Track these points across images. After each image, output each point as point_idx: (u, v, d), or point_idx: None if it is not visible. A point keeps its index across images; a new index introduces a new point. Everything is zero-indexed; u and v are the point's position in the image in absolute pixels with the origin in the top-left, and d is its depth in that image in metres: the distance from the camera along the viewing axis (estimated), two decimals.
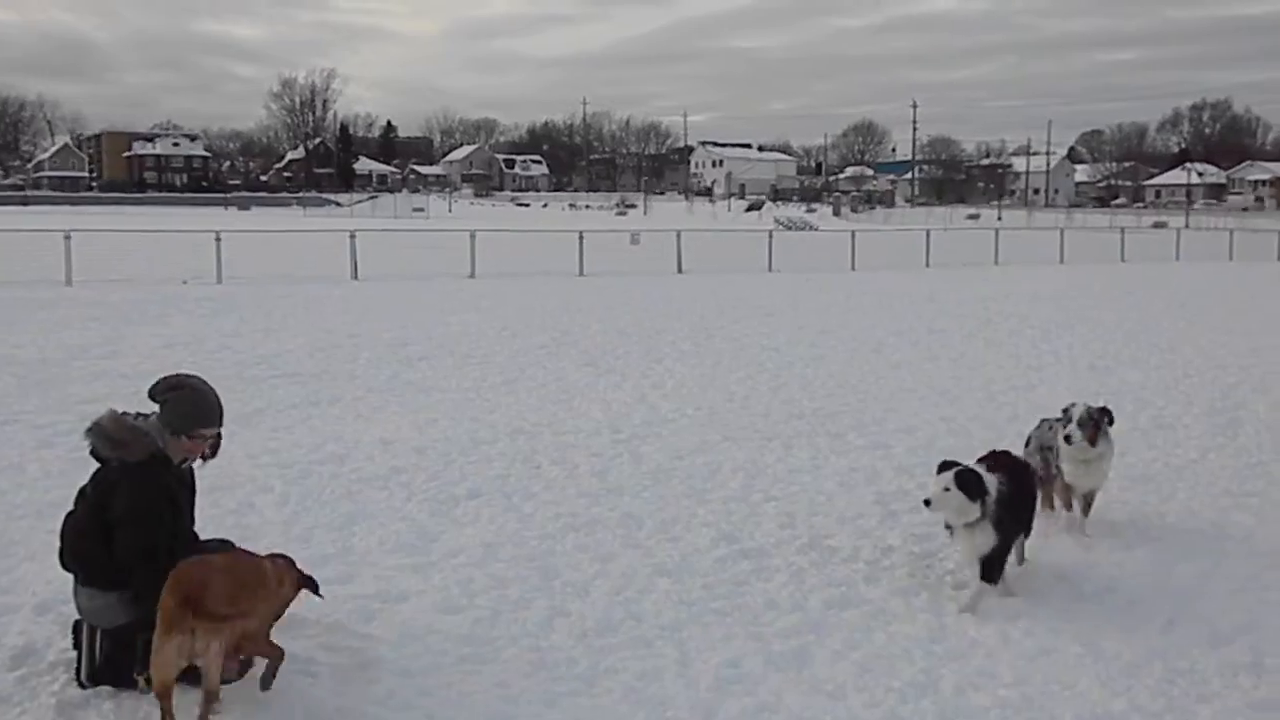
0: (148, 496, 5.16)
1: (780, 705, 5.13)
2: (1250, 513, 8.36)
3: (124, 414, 5.34)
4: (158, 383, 5.41)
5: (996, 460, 6.77)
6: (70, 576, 5.33)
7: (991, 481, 6.38)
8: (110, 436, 5.19)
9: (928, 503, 6.42)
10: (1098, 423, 7.61)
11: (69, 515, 5.36)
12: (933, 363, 15.73)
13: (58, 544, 5.40)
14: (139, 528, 5.12)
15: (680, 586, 6.65)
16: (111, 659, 5.10)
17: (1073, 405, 7.76)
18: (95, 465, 5.30)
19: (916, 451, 10.21)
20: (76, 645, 5.19)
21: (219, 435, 5.54)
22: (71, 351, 15.42)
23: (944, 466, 6.49)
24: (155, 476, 5.20)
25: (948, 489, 6.29)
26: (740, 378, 14.21)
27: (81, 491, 5.34)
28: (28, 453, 9.65)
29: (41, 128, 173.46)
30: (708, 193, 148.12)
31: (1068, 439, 7.61)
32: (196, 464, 5.54)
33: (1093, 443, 7.58)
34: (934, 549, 7.37)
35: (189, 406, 5.38)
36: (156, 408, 5.36)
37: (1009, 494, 6.44)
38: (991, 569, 6.43)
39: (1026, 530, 6.88)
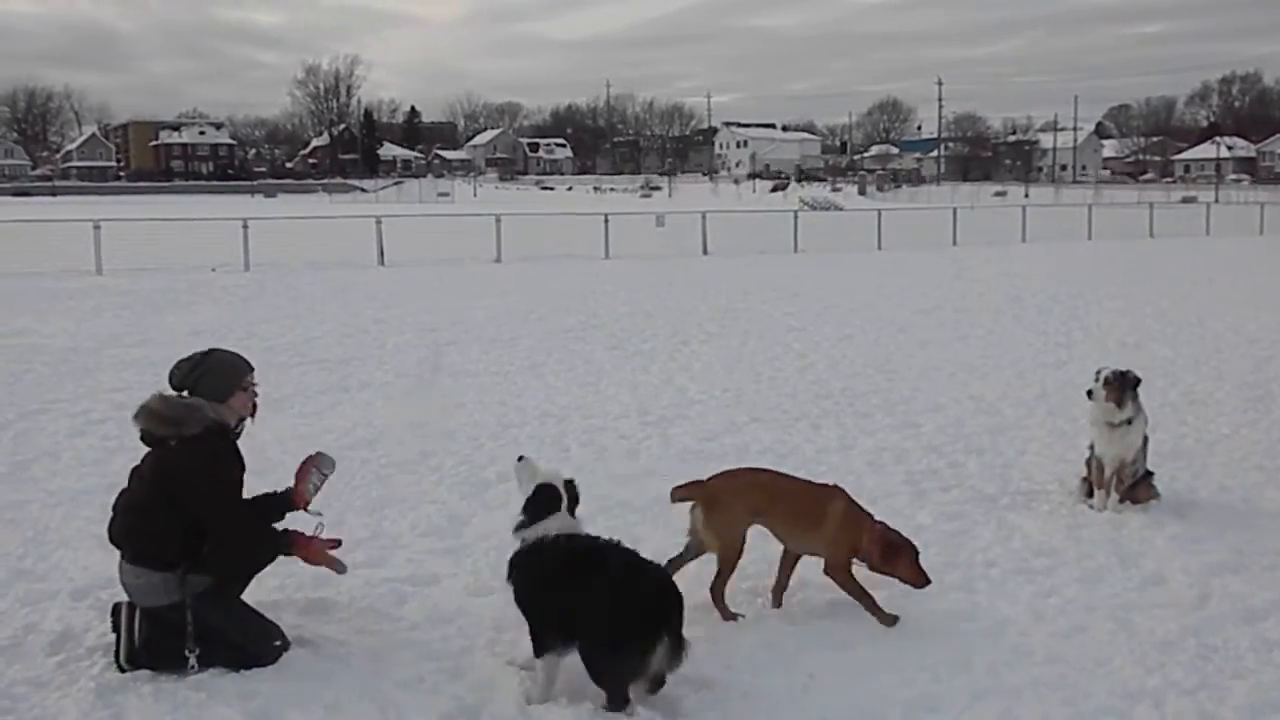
0: (218, 465, 5.27)
1: (814, 684, 5.12)
2: None
3: (168, 395, 5.38)
4: (177, 373, 5.44)
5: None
6: (114, 557, 5.40)
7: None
8: (163, 415, 5.23)
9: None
10: (1123, 383, 7.59)
11: (124, 492, 5.41)
12: (961, 341, 15.66)
13: (110, 517, 5.45)
14: (217, 498, 5.24)
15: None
16: (150, 642, 5.16)
17: (1102, 368, 7.77)
18: (141, 450, 5.36)
19: (945, 430, 10.18)
20: (115, 628, 5.25)
21: (256, 388, 5.65)
22: (102, 340, 15.55)
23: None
24: (218, 445, 5.29)
25: None
26: (767, 359, 14.19)
27: (136, 472, 5.39)
28: (61, 441, 9.74)
29: (69, 118, 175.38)
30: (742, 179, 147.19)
31: (1089, 394, 7.64)
32: (247, 424, 5.62)
33: (1118, 404, 7.56)
34: (965, 527, 7.35)
35: (221, 368, 5.49)
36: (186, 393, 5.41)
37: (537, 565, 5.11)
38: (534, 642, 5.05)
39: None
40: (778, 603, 6.13)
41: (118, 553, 5.37)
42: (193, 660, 5.12)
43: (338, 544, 5.54)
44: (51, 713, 4.84)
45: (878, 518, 5.93)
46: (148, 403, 5.30)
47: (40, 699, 4.95)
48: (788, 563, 6.16)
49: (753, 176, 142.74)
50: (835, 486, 6.15)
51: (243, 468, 5.41)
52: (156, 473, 5.24)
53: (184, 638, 5.11)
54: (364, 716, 4.84)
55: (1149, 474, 7.87)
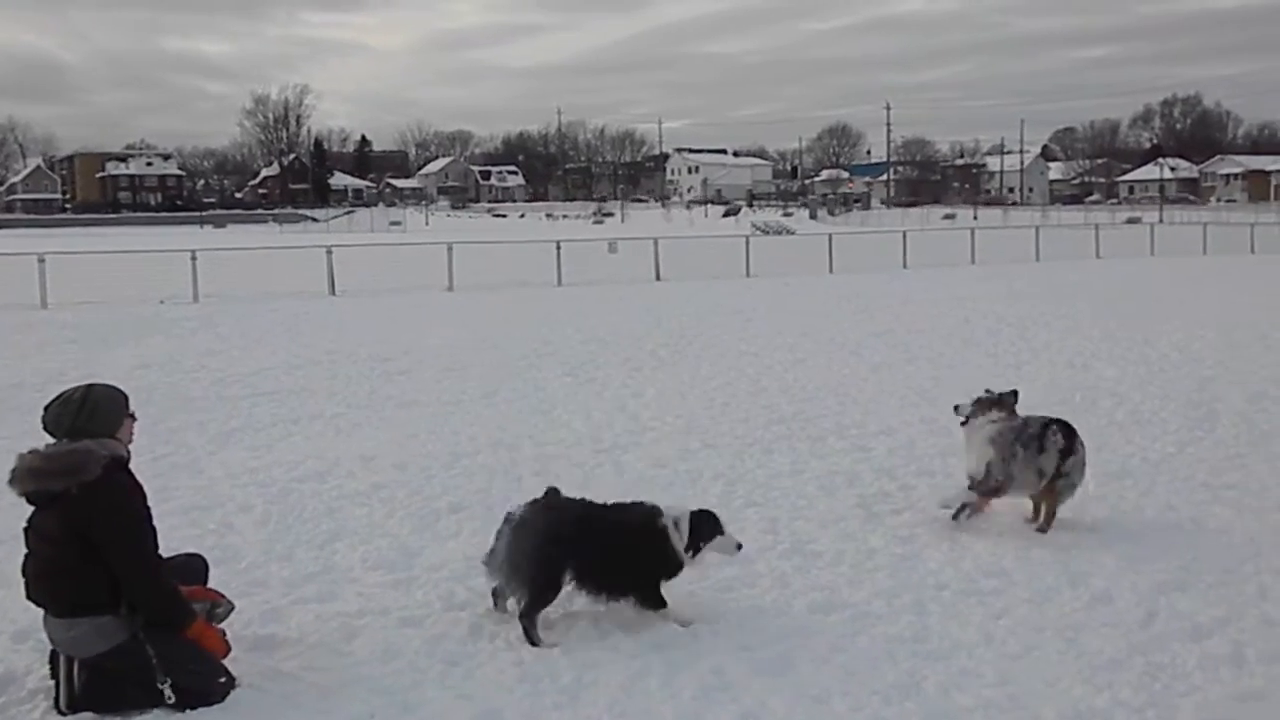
0: (130, 503, 5.16)
1: (765, 711, 5.12)
2: (1228, 505, 8.40)
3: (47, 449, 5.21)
4: (61, 418, 5.38)
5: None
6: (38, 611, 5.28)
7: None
8: (51, 470, 5.07)
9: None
10: (991, 404, 7.90)
11: (29, 557, 5.24)
12: (911, 364, 15.77)
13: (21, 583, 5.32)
14: (132, 536, 5.12)
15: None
16: (89, 686, 5.06)
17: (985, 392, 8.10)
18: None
19: (897, 453, 10.24)
20: (54, 675, 5.14)
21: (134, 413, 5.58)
22: (48, 375, 15.29)
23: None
24: (123, 481, 5.18)
25: None
26: (719, 384, 14.22)
27: (32, 533, 5.22)
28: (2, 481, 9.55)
29: (13, 150, 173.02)
30: (689, 204, 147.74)
31: (956, 409, 8.08)
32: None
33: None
34: (916, 550, 7.39)
35: (107, 402, 5.43)
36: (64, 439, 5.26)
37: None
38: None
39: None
40: None
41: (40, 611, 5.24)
42: (167, 691, 5.01)
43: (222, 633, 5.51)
44: None
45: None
46: (27, 463, 5.13)
47: None
48: None
49: (706, 202, 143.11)
50: None
51: (144, 494, 5.28)
52: (66, 527, 5.04)
53: (127, 682, 5.02)
54: None
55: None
